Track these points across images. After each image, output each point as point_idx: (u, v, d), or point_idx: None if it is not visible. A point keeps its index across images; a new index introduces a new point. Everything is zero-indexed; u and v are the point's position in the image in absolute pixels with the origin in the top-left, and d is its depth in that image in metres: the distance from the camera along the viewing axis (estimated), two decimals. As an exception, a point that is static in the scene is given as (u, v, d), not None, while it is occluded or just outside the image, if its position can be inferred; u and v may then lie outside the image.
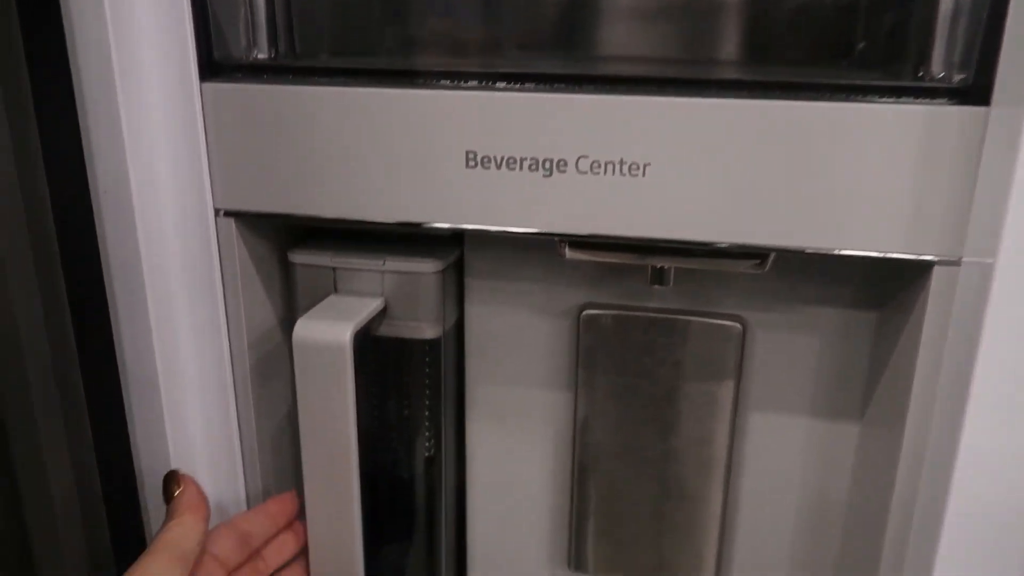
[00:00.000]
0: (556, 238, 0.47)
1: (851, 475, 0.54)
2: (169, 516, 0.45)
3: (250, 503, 0.55)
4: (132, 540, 0.52)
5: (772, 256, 0.45)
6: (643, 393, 0.54)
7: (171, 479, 0.47)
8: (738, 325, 0.52)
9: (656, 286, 0.48)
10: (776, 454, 0.55)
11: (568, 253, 0.47)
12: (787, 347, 0.52)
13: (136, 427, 0.50)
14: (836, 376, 0.52)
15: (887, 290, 0.49)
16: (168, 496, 0.46)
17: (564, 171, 0.44)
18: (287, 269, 0.54)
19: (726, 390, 0.53)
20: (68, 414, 0.47)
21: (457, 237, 0.55)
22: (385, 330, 0.53)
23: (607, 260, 0.47)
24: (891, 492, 0.46)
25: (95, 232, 0.46)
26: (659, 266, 0.48)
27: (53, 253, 0.47)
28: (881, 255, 0.42)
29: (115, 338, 0.48)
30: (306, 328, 0.47)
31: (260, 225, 0.51)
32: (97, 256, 0.47)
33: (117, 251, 0.46)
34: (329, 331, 0.47)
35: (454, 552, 0.63)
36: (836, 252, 0.42)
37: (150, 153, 0.46)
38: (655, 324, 0.53)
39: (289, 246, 0.53)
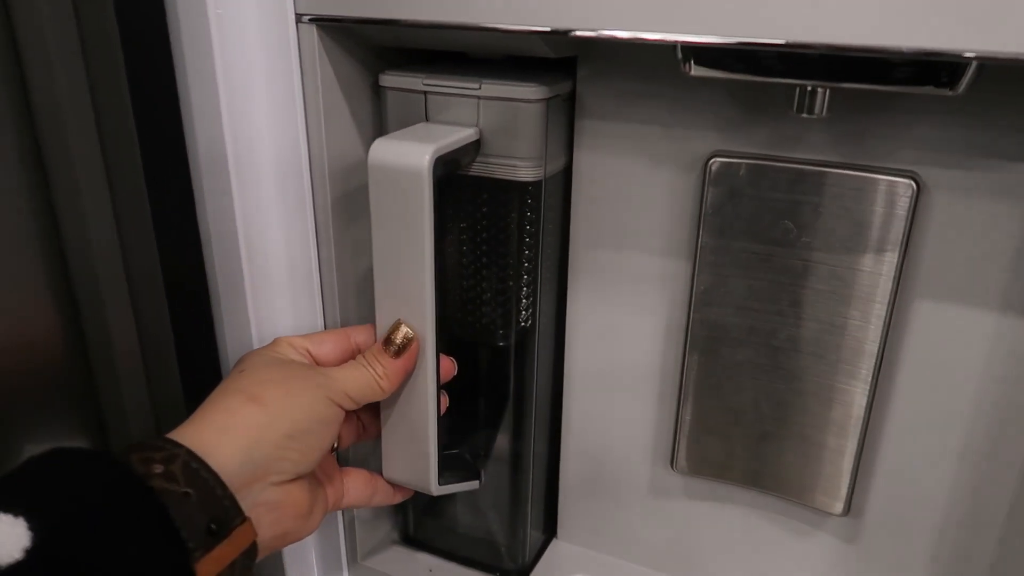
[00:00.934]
0: (680, 50, 0.38)
1: (1046, 388, 0.42)
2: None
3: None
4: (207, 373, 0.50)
5: (971, 70, 0.33)
6: (779, 265, 0.45)
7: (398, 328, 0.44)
8: (911, 183, 0.41)
9: (805, 115, 0.38)
10: (945, 354, 0.44)
11: (694, 69, 0.38)
12: (975, 216, 0.41)
13: (215, 267, 0.47)
14: (1041, 258, 0.40)
15: None
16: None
17: (694, -46, 0.34)
18: (379, 97, 0.48)
19: (887, 267, 0.42)
20: (137, 239, 0.45)
21: (569, 66, 0.47)
22: (479, 169, 0.46)
23: (739, 77, 0.37)
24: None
25: (168, 36, 0.43)
26: (808, 87, 0.37)
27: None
28: None
29: (189, 157, 0.45)
30: (383, 149, 0.42)
31: (348, 39, 0.46)
32: (171, 64, 0.43)
33: (192, 59, 0.43)
34: (408, 153, 0.41)
35: (546, 438, 0.58)
36: (1066, 60, 0.30)
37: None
38: (801, 177, 0.43)
39: (380, 69, 0.48)
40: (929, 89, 0.35)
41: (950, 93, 0.34)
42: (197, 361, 0.49)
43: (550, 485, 0.60)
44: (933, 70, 0.34)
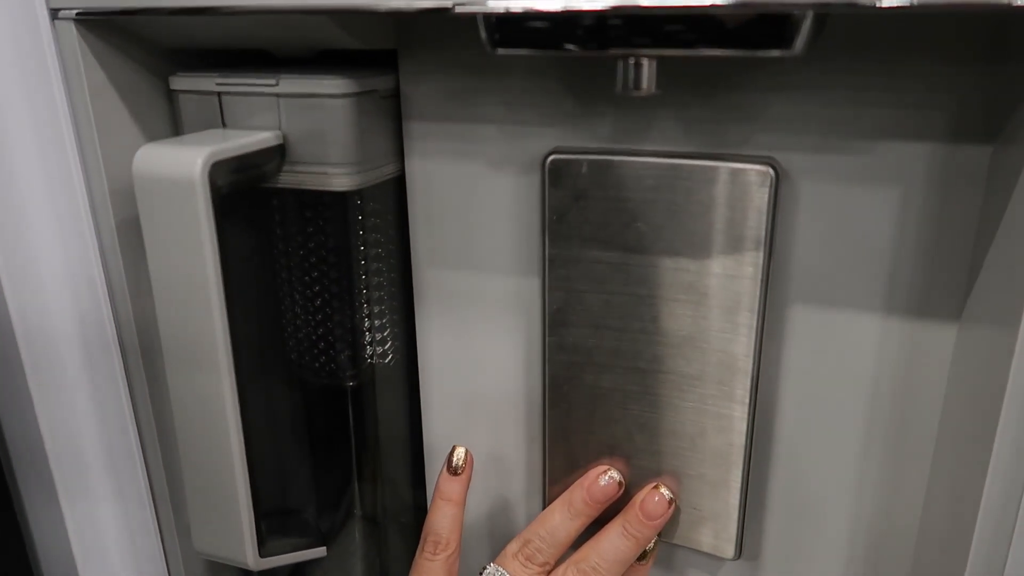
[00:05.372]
0: (483, 26, 0.32)
1: (941, 396, 0.37)
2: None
3: (134, 392, 0.43)
4: None
5: (807, 23, 0.28)
6: (635, 275, 0.39)
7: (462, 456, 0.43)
8: (769, 169, 0.35)
9: (633, 91, 0.32)
10: (828, 364, 0.38)
11: (500, 49, 0.32)
12: (844, 204, 0.36)
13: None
14: (922, 248, 0.35)
15: (1008, 103, 0.31)
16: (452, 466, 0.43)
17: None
18: (172, 102, 0.42)
19: (751, 268, 0.37)
20: None
21: (389, 59, 0.41)
22: (287, 179, 0.40)
23: (547, 53, 0.31)
24: (993, 430, 0.30)
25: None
26: (630, 59, 0.32)
27: None
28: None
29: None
30: (150, 156, 0.35)
31: (122, 38, 0.39)
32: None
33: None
34: (178, 160, 0.34)
35: (409, 488, 0.50)
36: (905, 1, 0.25)
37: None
38: (649, 172, 0.37)
39: (173, 73, 0.41)
40: (764, 52, 0.29)
41: (788, 53, 0.29)
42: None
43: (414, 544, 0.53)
44: (764, 28, 0.29)
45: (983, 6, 0.25)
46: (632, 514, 0.41)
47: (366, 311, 0.44)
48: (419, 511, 0.51)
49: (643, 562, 0.42)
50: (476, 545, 0.50)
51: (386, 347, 0.46)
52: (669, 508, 0.41)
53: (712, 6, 0.28)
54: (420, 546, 0.42)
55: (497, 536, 0.49)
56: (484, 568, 0.41)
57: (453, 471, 0.42)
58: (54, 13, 0.37)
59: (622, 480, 0.42)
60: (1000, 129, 0.32)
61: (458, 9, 0.31)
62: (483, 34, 0.32)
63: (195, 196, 0.34)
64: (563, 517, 0.42)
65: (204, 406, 0.38)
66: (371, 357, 0.45)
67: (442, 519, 0.42)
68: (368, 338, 0.45)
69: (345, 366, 0.45)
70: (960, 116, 0.33)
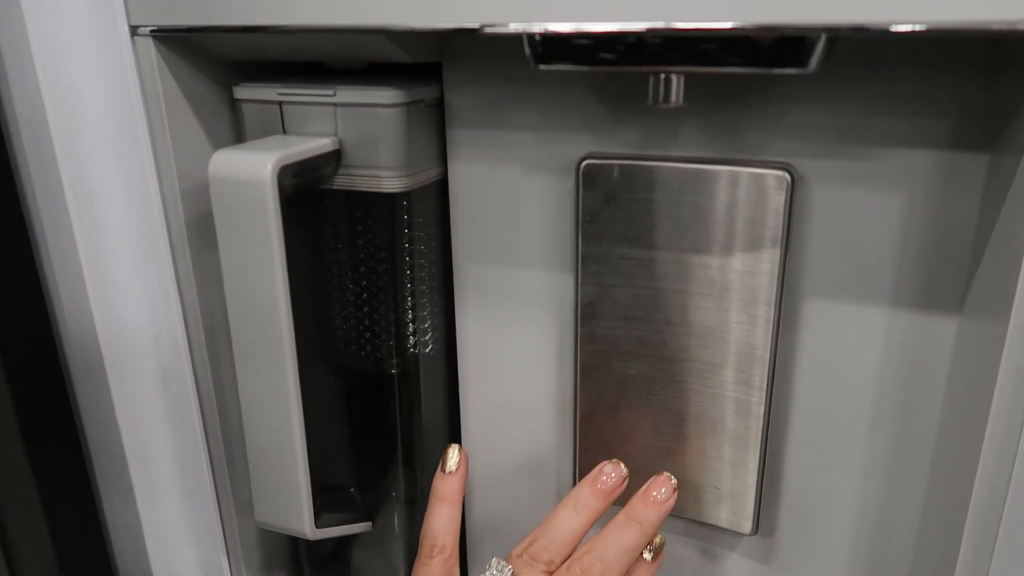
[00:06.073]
0: (527, 43, 0.36)
1: (943, 384, 0.40)
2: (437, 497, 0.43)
3: (199, 381, 0.47)
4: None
5: (820, 45, 0.31)
6: (661, 270, 0.42)
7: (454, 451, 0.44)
8: (785, 174, 0.38)
9: (663, 105, 0.36)
10: (839, 354, 0.42)
11: (543, 64, 0.36)
12: (855, 207, 0.39)
13: (62, 304, 0.44)
14: (926, 247, 0.38)
15: (1003, 115, 0.34)
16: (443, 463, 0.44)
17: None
18: (235, 111, 0.46)
19: (769, 265, 0.40)
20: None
21: (434, 71, 0.45)
22: (342, 182, 0.44)
23: (587, 69, 0.35)
24: (986, 414, 0.33)
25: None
26: (661, 75, 0.35)
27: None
28: (981, 23, 0.28)
29: (21, 196, 0.42)
30: (223, 162, 0.39)
31: (193, 52, 0.43)
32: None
33: (16, 83, 0.39)
34: (250, 164, 0.38)
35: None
36: (912, 27, 0.29)
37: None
38: (675, 176, 0.41)
39: (236, 83, 0.45)
40: (781, 70, 0.33)
41: (803, 71, 0.32)
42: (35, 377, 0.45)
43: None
44: (781, 48, 0.32)
45: (987, 31, 0.29)
46: (636, 499, 0.41)
47: (409, 303, 0.48)
48: (455, 491, 0.54)
49: (652, 561, 0.42)
50: (507, 528, 0.53)
51: (427, 337, 0.50)
52: (673, 493, 0.41)
53: (735, 29, 0.31)
54: (419, 550, 0.42)
55: (530, 520, 0.53)
56: (488, 564, 0.41)
57: (448, 470, 0.43)
58: (133, 30, 0.41)
59: (627, 474, 0.42)
60: (997, 137, 0.35)
61: (487, 30, 0.35)
62: (527, 51, 0.36)
63: (265, 196, 0.38)
64: (569, 514, 0.41)
65: (269, 391, 0.41)
66: (413, 347, 0.49)
67: (438, 520, 0.42)
68: (411, 329, 0.48)
69: (389, 355, 0.49)
70: (960, 125, 0.36)
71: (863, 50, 0.36)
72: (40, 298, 0.44)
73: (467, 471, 0.44)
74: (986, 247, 0.35)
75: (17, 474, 0.44)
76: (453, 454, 0.43)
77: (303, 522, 0.44)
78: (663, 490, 0.41)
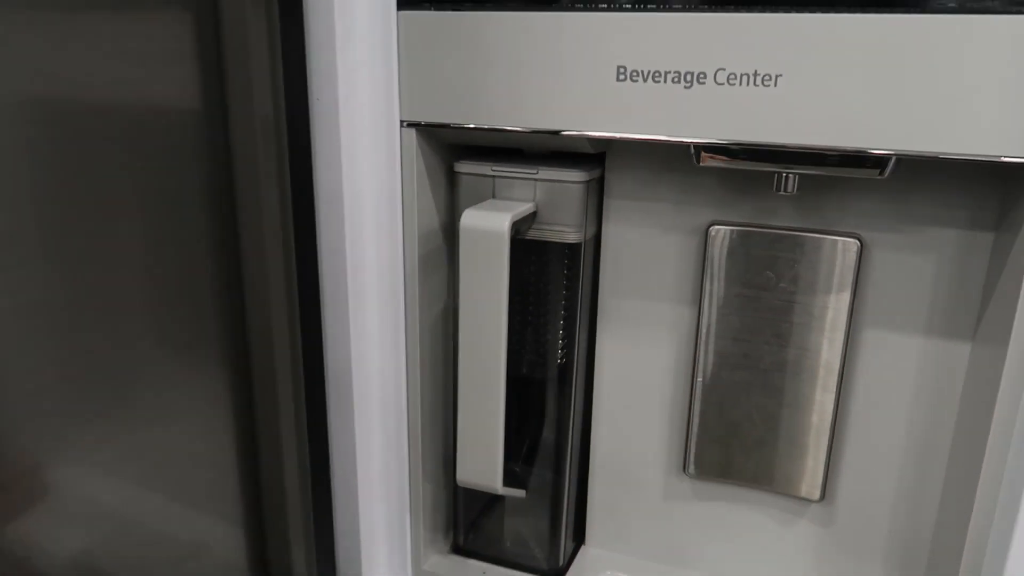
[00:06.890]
0: (693, 147, 0.53)
1: (960, 394, 0.57)
2: None
3: (408, 377, 0.63)
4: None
5: (892, 162, 0.49)
6: (764, 305, 0.60)
7: None
8: (856, 242, 0.56)
9: (782, 193, 0.53)
10: (889, 371, 0.59)
11: (704, 159, 0.54)
12: (903, 266, 0.57)
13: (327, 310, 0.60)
14: (950, 295, 0.56)
15: (1004, 209, 0.52)
16: None
17: (704, 83, 0.50)
18: (451, 180, 0.63)
19: (842, 304, 0.57)
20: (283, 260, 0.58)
21: (600, 157, 0.62)
22: (534, 234, 0.61)
23: (738, 167, 0.53)
24: (992, 413, 0.50)
25: (309, 138, 0.56)
26: (785, 173, 0.53)
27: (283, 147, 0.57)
28: (993, 158, 0.46)
29: (318, 231, 0.58)
30: (472, 217, 0.56)
31: (433, 138, 0.61)
32: (309, 153, 0.57)
33: (324, 156, 0.56)
34: (491, 220, 0.55)
35: (578, 455, 0.70)
36: (952, 155, 0.46)
37: (354, 73, 0.55)
38: (777, 240, 0.58)
39: (454, 160, 0.62)
40: (863, 173, 0.51)
41: (880, 176, 0.50)
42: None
43: (580, 497, 0.72)
44: (866, 161, 0.50)
45: (982, 162, 0.46)
46: None
47: (562, 324, 0.64)
48: (583, 474, 0.70)
49: None
50: (627, 512, 0.69)
51: (574, 351, 0.66)
52: None
53: (838, 148, 0.49)
54: None
55: (648, 503, 0.69)
56: None
57: None
58: (403, 123, 0.58)
59: None
60: (999, 224, 0.53)
61: (564, 133, 0.52)
62: (692, 151, 0.54)
63: (503, 243, 0.55)
64: None
65: (485, 382, 0.58)
66: (562, 358, 0.65)
67: None
68: (562, 344, 0.65)
69: (542, 362, 0.65)
70: (975, 214, 0.54)
71: (916, 161, 0.54)
72: (318, 313, 0.60)
73: None
74: (992, 295, 0.53)
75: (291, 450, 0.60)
76: None
77: (496, 481, 0.60)
78: None
